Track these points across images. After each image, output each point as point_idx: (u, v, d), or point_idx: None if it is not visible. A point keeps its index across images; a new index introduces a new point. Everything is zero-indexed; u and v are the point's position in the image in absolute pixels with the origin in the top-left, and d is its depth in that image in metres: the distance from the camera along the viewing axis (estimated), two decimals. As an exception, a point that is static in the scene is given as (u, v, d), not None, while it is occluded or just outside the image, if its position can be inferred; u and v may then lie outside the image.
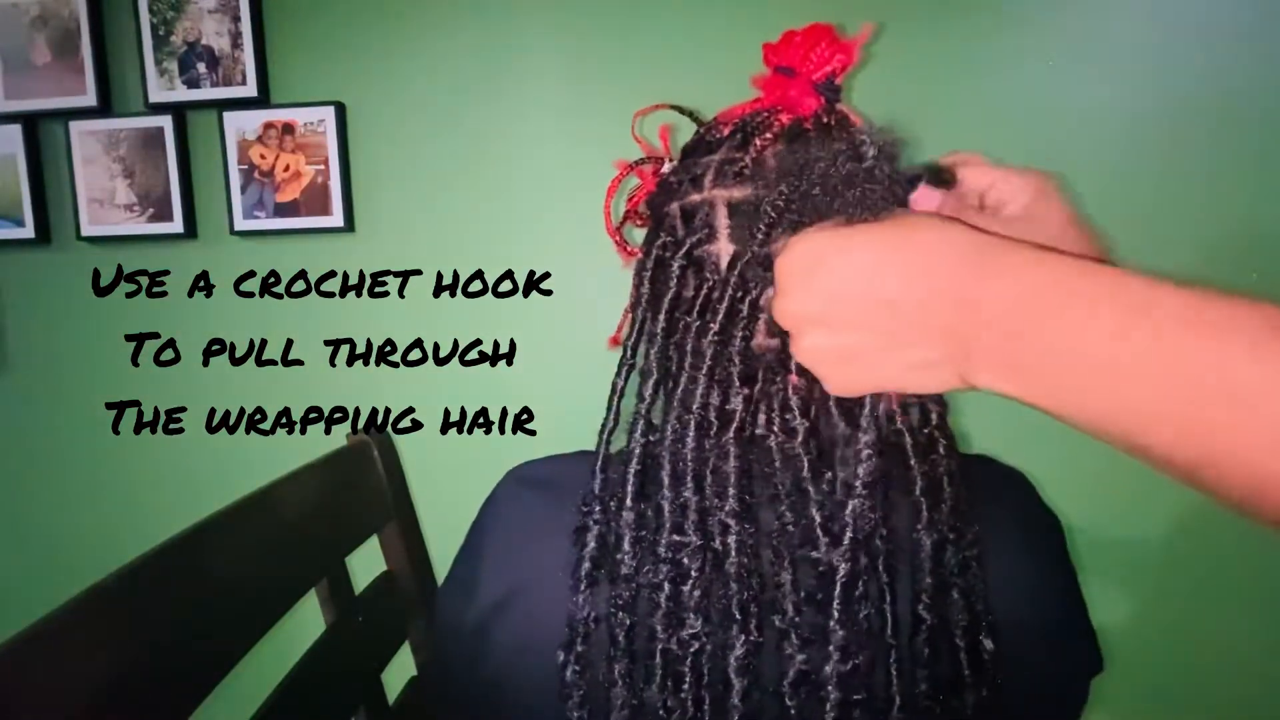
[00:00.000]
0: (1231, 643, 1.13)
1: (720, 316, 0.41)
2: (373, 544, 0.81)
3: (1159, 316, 0.26)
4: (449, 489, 1.04)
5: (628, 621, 0.40)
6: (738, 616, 0.38)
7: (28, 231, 1.25)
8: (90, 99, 1.21)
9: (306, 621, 0.69)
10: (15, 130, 1.23)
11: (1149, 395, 0.26)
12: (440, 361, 1.25)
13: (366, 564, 0.80)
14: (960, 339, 0.31)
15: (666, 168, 0.49)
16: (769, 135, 0.43)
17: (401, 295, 1.24)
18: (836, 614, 0.37)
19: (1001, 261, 0.30)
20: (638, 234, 0.51)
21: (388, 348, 1.25)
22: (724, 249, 0.43)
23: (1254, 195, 1.07)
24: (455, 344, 1.24)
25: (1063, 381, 0.29)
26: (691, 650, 0.39)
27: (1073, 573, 0.46)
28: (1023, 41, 1.10)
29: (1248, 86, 1.06)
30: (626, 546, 0.41)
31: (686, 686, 0.39)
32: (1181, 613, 1.14)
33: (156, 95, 1.21)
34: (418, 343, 1.25)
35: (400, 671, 0.81)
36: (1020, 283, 0.30)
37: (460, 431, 1.25)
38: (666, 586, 0.39)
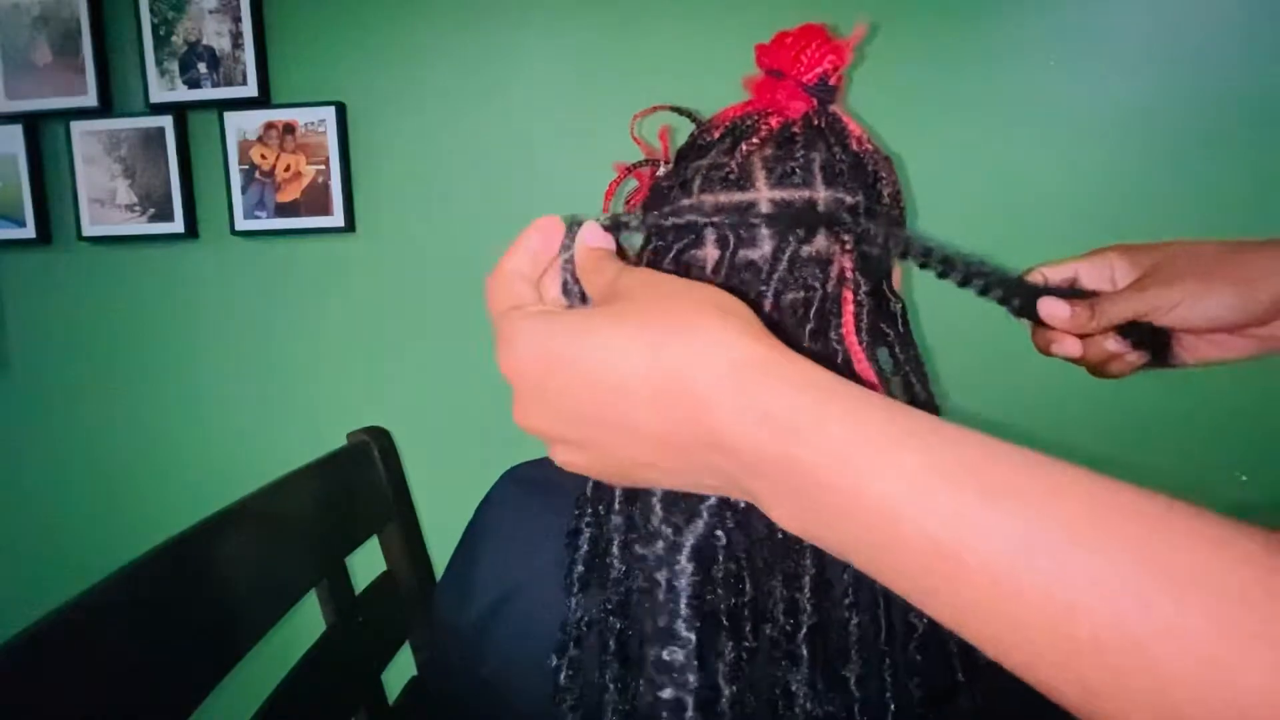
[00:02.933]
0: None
1: None
2: (373, 544, 0.81)
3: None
4: (449, 489, 1.04)
5: (618, 626, 0.40)
6: (726, 624, 0.38)
7: (29, 231, 1.25)
8: (91, 99, 1.22)
9: (306, 621, 0.69)
10: (16, 130, 1.23)
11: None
12: (440, 361, 1.25)
13: (366, 564, 0.80)
14: (731, 480, 0.26)
15: (662, 171, 0.49)
16: (756, 139, 0.43)
17: (402, 295, 1.24)
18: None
19: (766, 398, 0.24)
20: (636, 237, 0.51)
21: (388, 347, 1.25)
22: (710, 254, 0.43)
23: (1254, 195, 1.07)
24: (456, 343, 1.24)
25: (861, 546, 0.24)
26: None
27: None
28: (1019, 41, 1.10)
29: (1249, 86, 1.06)
30: (615, 551, 0.41)
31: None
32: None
33: (157, 95, 1.21)
34: (418, 343, 1.25)
35: (400, 671, 0.81)
36: (786, 435, 0.24)
37: (460, 431, 1.25)
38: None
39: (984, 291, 0.41)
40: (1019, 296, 0.43)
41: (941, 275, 0.40)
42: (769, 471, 0.24)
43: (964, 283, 0.41)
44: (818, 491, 0.23)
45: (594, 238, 0.36)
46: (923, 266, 0.40)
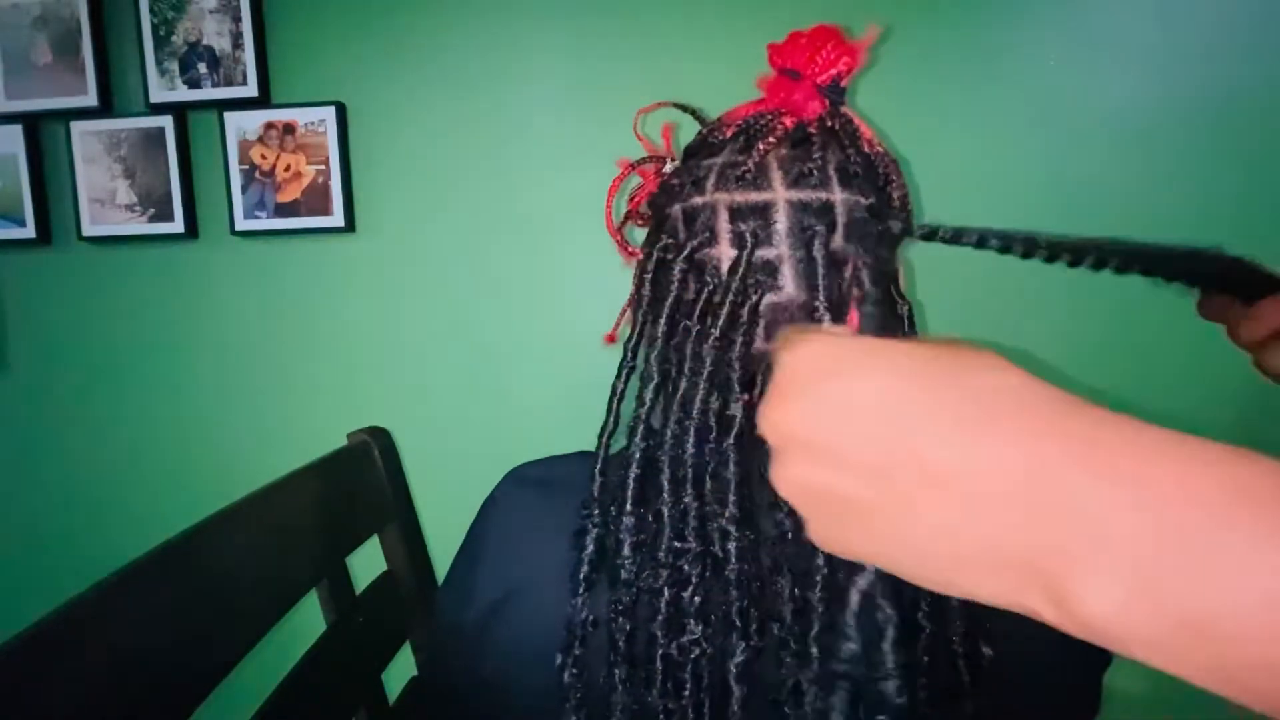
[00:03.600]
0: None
1: (721, 321, 0.41)
2: (373, 544, 0.80)
3: None
4: (449, 489, 1.04)
5: (628, 626, 0.40)
6: (737, 623, 0.38)
7: (28, 231, 1.25)
8: (91, 99, 1.21)
9: (306, 621, 0.68)
10: (16, 130, 1.23)
11: None
12: (440, 361, 1.25)
13: (366, 564, 0.80)
14: (1042, 548, 0.21)
15: (668, 168, 0.49)
16: (772, 139, 0.43)
17: (401, 295, 1.24)
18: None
19: (1118, 446, 0.20)
20: (639, 233, 0.51)
21: (388, 347, 1.25)
22: (725, 253, 0.43)
23: (1254, 195, 1.07)
24: (456, 343, 1.24)
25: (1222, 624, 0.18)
26: (692, 656, 0.38)
27: None
28: (1030, 41, 1.10)
29: (1249, 85, 1.06)
30: (627, 551, 0.40)
31: (687, 692, 0.38)
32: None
33: (157, 95, 1.21)
34: (418, 342, 1.25)
35: (400, 671, 0.81)
36: (1151, 490, 0.19)
37: (460, 431, 1.25)
38: (666, 592, 0.39)
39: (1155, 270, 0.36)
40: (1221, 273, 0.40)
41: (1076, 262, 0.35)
42: (1129, 544, 0.19)
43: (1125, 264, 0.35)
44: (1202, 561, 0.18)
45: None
46: (1026, 255, 0.34)
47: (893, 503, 0.23)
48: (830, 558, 0.38)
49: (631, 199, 0.51)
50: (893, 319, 0.43)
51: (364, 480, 0.80)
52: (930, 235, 0.33)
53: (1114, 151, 1.09)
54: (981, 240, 0.32)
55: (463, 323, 1.24)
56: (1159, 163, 1.08)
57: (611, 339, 0.48)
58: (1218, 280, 0.44)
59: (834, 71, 0.43)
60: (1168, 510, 0.19)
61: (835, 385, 0.25)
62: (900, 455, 0.23)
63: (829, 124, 0.44)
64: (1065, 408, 0.22)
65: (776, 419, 0.27)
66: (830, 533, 0.26)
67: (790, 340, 0.27)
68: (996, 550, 0.21)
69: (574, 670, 0.41)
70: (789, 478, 0.26)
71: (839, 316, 0.41)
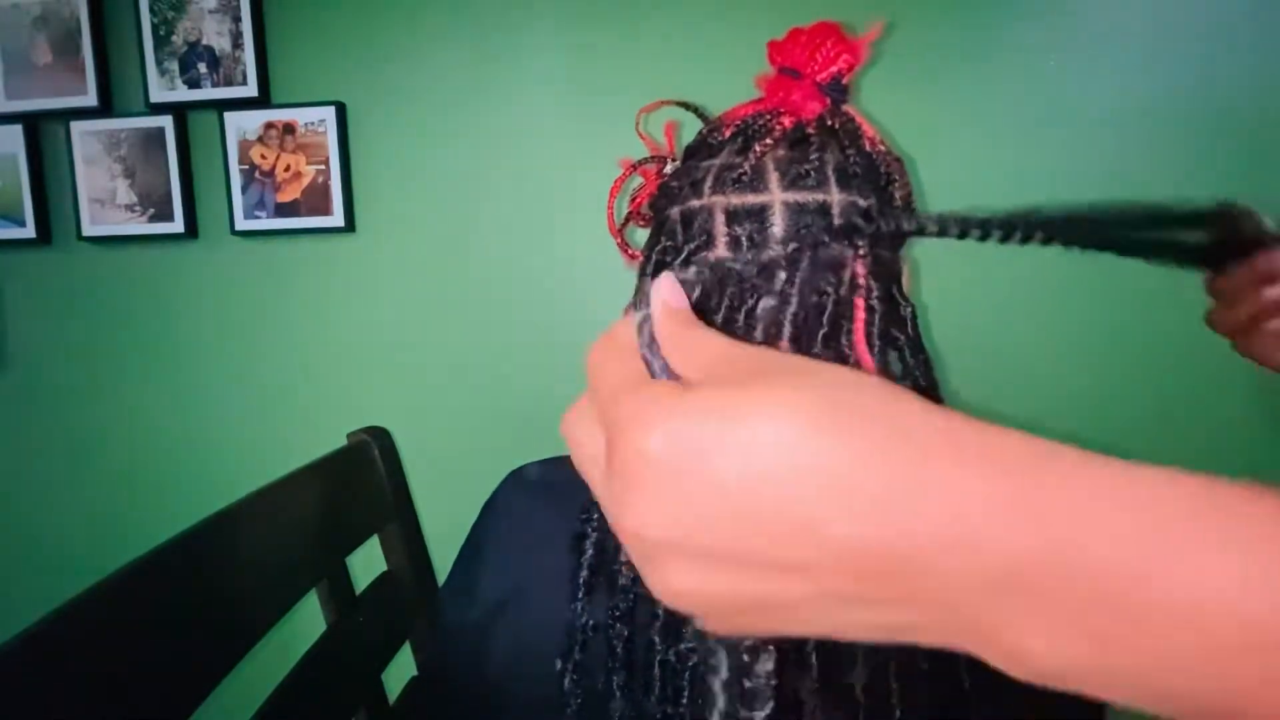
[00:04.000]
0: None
1: (718, 325, 0.40)
2: (373, 544, 0.80)
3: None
4: (449, 489, 1.04)
5: (625, 632, 0.40)
6: None
7: (28, 231, 1.25)
8: (91, 99, 1.21)
9: (306, 621, 0.68)
10: (16, 130, 1.23)
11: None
12: (440, 361, 1.24)
13: (366, 564, 0.80)
14: (973, 602, 0.19)
15: (669, 168, 0.49)
16: (769, 141, 0.42)
17: (401, 295, 1.24)
18: None
19: (1050, 474, 0.19)
20: (641, 234, 0.51)
21: (388, 347, 1.25)
22: (721, 258, 0.43)
23: (1254, 195, 1.06)
24: (456, 343, 1.24)
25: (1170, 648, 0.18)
26: (690, 663, 0.38)
27: None
28: (1032, 39, 1.10)
29: (1249, 85, 1.06)
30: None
31: (685, 700, 0.38)
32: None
33: (157, 95, 1.21)
34: (418, 342, 1.25)
35: (400, 671, 0.81)
36: (1099, 519, 0.18)
37: (460, 431, 1.25)
38: None
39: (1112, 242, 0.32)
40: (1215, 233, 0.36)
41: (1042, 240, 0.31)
42: (1032, 580, 0.18)
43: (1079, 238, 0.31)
44: (1117, 596, 0.17)
45: (672, 294, 0.27)
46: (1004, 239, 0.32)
47: (796, 594, 0.21)
48: None
49: (633, 199, 0.51)
50: (895, 321, 0.43)
51: (364, 480, 0.80)
52: (899, 231, 0.32)
53: (1116, 150, 1.09)
54: (942, 228, 0.31)
55: (463, 323, 1.24)
56: (1159, 162, 1.08)
57: None
58: (1192, 251, 0.38)
59: (834, 69, 0.42)
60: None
61: (694, 477, 0.20)
62: (799, 540, 0.20)
63: (829, 123, 0.43)
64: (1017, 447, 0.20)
65: (629, 527, 0.22)
66: (738, 626, 0.23)
67: (625, 419, 0.22)
68: (911, 625, 0.20)
69: (574, 676, 0.40)
70: (671, 589, 0.22)
71: (837, 321, 0.40)
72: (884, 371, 0.41)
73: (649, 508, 0.21)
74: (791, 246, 0.41)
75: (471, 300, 1.23)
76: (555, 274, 1.21)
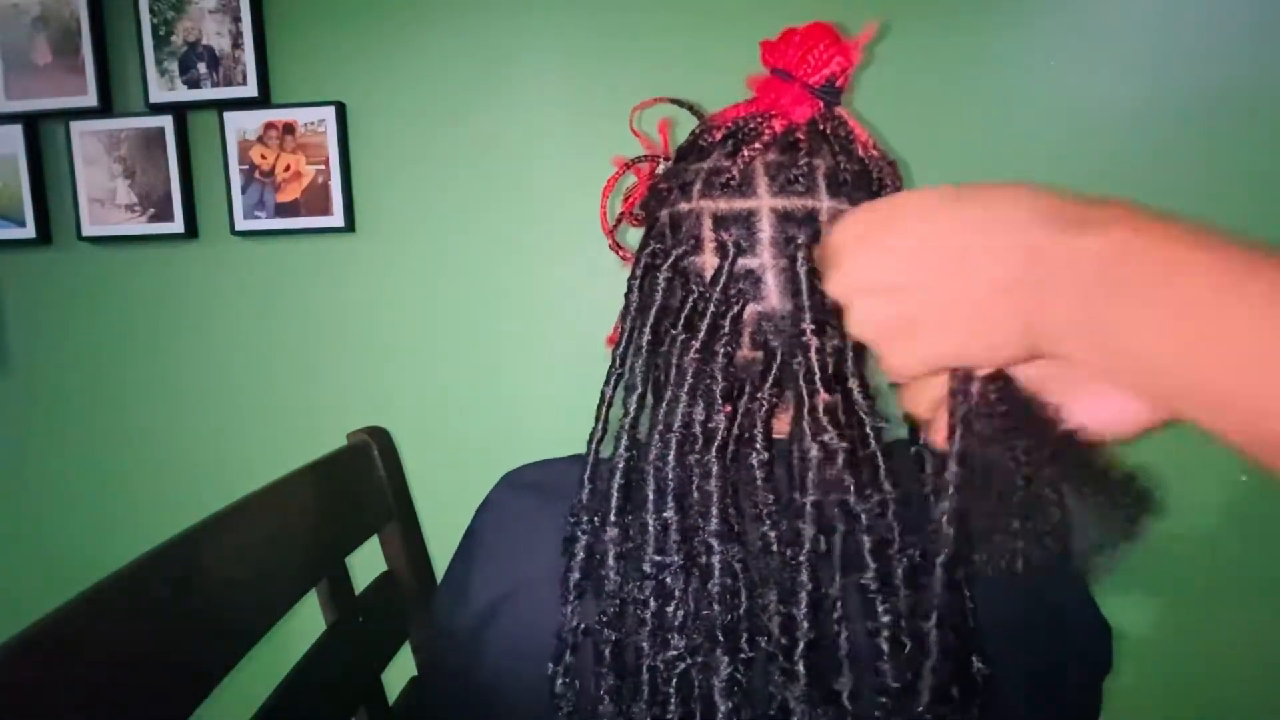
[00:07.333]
0: (1241, 640, 1.12)
1: (703, 331, 0.40)
2: (373, 544, 0.80)
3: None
4: (449, 489, 1.04)
5: (613, 637, 0.39)
6: (721, 638, 0.37)
7: (28, 231, 1.25)
8: (91, 99, 1.21)
9: (306, 621, 0.69)
10: (16, 130, 1.23)
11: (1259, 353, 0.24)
12: (440, 361, 1.25)
13: (366, 564, 0.80)
14: (1037, 296, 0.28)
15: (662, 168, 0.49)
16: (758, 145, 0.42)
17: (401, 295, 1.24)
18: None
19: (1088, 215, 0.28)
20: (635, 234, 0.51)
21: (388, 347, 1.25)
22: (708, 262, 0.42)
23: (1254, 195, 1.07)
24: (456, 343, 1.24)
25: (1160, 345, 0.26)
26: (677, 670, 0.38)
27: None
28: (1028, 40, 1.10)
29: (1250, 85, 1.05)
30: (611, 562, 0.40)
31: (673, 706, 0.38)
32: (1193, 612, 1.13)
33: (157, 95, 1.21)
34: (418, 342, 1.25)
35: (400, 671, 0.81)
36: (1111, 238, 0.27)
37: (460, 431, 1.25)
38: (651, 604, 0.39)
39: None
40: None
41: None
42: (1093, 276, 0.26)
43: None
44: (1157, 272, 0.26)
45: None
46: None
47: (939, 304, 0.30)
48: (816, 573, 0.37)
49: (625, 199, 0.51)
50: None
51: (364, 480, 0.80)
52: None
53: (1116, 150, 1.09)
54: None
55: (463, 323, 1.24)
56: (1159, 162, 1.08)
57: (613, 341, 0.47)
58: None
59: (827, 72, 0.41)
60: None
61: (877, 234, 0.32)
62: (938, 261, 0.30)
63: (821, 127, 0.42)
64: (1070, 202, 0.28)
65: (838, 281, 0.34)
66: (899, 358, 0.32)
67: (836, 223, 0.34)
68: (1003, 323, 0.29)
69: (565, 679, 0.40)
70: (861, 321, 0.33)
71: (825, 327, 0.40)
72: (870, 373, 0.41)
73: (846, 265, 0.33)
74: (778, 253, 0.41)
75: (471, 300, 1.23)
76: (555, 274, 1.21)
